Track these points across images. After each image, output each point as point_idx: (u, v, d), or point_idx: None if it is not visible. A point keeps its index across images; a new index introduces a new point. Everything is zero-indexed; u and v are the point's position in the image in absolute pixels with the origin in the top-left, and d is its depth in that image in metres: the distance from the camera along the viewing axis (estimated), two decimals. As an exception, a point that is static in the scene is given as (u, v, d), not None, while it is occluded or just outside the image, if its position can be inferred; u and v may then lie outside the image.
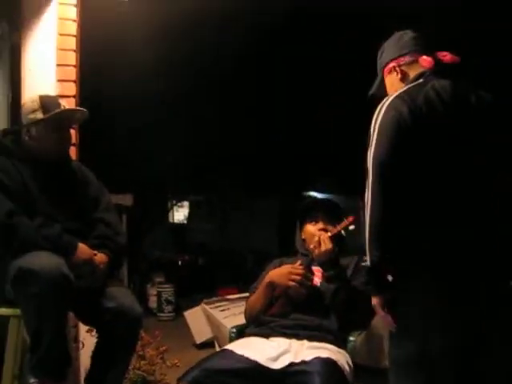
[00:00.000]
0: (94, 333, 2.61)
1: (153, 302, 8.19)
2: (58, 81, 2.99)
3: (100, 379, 2.36)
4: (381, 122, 1.77)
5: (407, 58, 1.95)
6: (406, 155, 1.73)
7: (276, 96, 7.98)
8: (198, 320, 5.77)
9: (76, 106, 2.94)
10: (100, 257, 2.30)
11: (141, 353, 3.27)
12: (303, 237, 2.72)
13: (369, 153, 1.77)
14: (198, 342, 5.79)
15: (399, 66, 1.96)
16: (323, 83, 7.39)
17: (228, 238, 12.49)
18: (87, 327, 2.87)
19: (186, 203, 14.01)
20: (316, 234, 2.59)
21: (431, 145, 1.75)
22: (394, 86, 1.96)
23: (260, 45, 6.48)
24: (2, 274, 2.14)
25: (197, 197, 13.17)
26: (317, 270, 2.59)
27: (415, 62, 1.93)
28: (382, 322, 3.26)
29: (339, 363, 2.21)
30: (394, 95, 1.81)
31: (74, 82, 3.04)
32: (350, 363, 2.32)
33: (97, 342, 2.39)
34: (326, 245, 2.46)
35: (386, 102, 1.80)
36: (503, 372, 1.73)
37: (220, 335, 4.98)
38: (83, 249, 2.25)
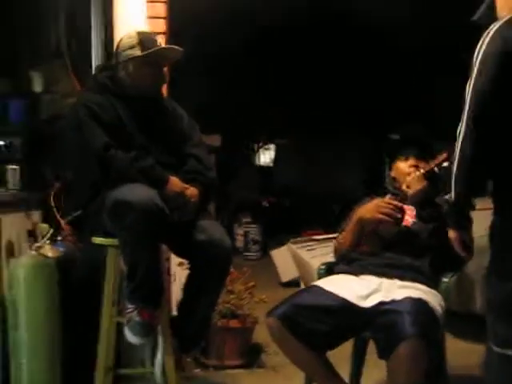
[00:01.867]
0: (184, 266, 2.69)
1: (240, 242, 8.39)
2: (148, 17, 3.00)
3: (191, 310, 2.45)
4: (485, 50, 1.62)
5: None
6: (509, 91, 1.59)
7: (361, 38, 7.69)
8: (284, 259, 5.85)
9: (166, 43, 2.96)
10: (192, 190, 2.33)
11: (229, 288, 3.35)
12: (393, 175, 2.64)
13: (468, 83, 1.65)
14: (283, 281, 5.89)
15: None
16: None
17: (313, 181, 12.44)
18: (178, 261, 2.98)
19: (272, 146, 14.02)
20: (407, 171, 2.52)
21: None
22: (507, 5, 1.75)
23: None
24: (100, 206, 2.23)
25: (283, 140, 13.13)
26: (409, 209, 2.51)
27: None
28: (475, 266, 3.17)
29: (431, 304, 2.16)
30: (502, 21, 1.64)
31: (164, 18, 3.04)
32: (443, 304, 2.26)
33: (188, 274, 2.46)
34: (420, 183, 2.38)
35: (492, 29, 1.65)
36: None
37: (306, 275, 5.02)
38: (175, 182, 2.30)
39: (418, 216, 2.43)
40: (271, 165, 13.99)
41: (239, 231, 8.55)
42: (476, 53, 1.66)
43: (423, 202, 2.40)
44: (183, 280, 2.51)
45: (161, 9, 3.05)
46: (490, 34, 1.64)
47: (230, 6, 5.55)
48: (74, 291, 2.72)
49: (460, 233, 1.81)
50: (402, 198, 2.50)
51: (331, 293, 2.25)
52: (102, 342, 2.31)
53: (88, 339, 2.42)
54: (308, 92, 9.03)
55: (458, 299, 3.81)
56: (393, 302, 2.15)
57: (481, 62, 1.62)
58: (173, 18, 3.12)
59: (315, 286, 2.35)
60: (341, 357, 2.54)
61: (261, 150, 13.95)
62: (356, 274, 2.39)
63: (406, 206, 2.51)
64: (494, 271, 1.71)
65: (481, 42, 1.65)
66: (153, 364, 2.52)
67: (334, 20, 7.13)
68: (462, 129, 1.65)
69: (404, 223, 2.48)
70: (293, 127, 10.90)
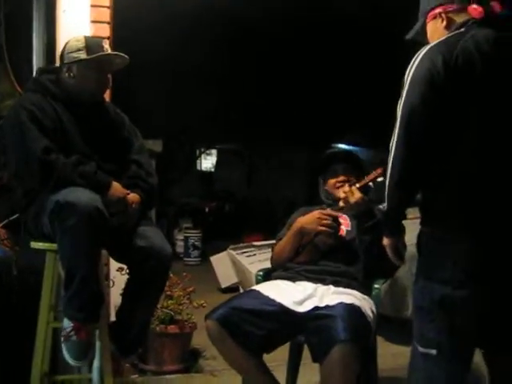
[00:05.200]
0: (123, 271, 2.69)
1: (180, 247, 8.38)
2: (92, 22, 2.99)
3: (130, 316, 2.45)
4: (414, 71, 1.74)
5: (455, 6, 1.86)
6: (437, 108, 1.70)
7: (308, 48, 7.84)
8: (223, 265, 5.89)
9: (110, 47, 2.95)
10: (133, 196, 2.34)
11: (168, 293, 3.36)
12: (326, 188, 2.73)
13: (399, 102, 1.76)
14: (223, 287, 5.93)
15: (446, 12, 1.86)
16: (356, 36, 7.22)
17: (255, 187, 12.54)
18: (118, 266, 2.97)
19: (214, 151, 14.05)
20: (337, 186, 2.63)
21: (464, 100, 1.71)
22: (436, 33, 1.88)
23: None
24: (39, 209, 2.21)
25: (225, 145, 13.19)
26: (343, 218, 2.61)
27: (464, 10, 1.84)
28: (406, 272, 3.31)
29: (363, 309, 2.25)
30: (431, 45, 1.77)
31: (108, 23, 3.03)
32: (374, 310, 2.36)
33: (128, 280, 2.47)
34: (355, 196, 2.46)
35: (421, 52, 1.76)
36: None
37: (245, 280, 5.09)
38: (117, 187, 2.30)
39: (357, 228, 2.50)
40: (213, 170, 14.03)
41: (179, 236, 8.54)
42: (406, 73, 1.77)
43: (361, 214, 2.47)
44: (122, 285, 2.51)
45: (105, 13, 3.04)
46: (420, 57, 1.75)
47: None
48: (10, 295, 2.68)
49: (394, 240, 1.89)
50: (338, 209, 2.59)
51: (268, 297, 2.32)
52: (37, 348, 2.28)
53: (25, 345, 2.38)
54: (252, 99, 9.12)
55: (390, 305, 3.96)
56: (327, 307, 2.23)
57: (410, 83, 1.73)
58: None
59: (253, 291, 2.41)
60: (277, 360, 2.61)
61: (202, 156, 13.96)
62: (292, 279, 2.47)
63: (340, 216, 2.61)
64: (422, 277, 1.81)
65: (411, 63, 1.77)
66: (90, 370, 2.50)
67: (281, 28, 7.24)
68: (393, 143, 1.75)
69: (339, 233, 2.57)
70: (236, 133, 10.96)
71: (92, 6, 2.99)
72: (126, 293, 2.46)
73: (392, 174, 1.76)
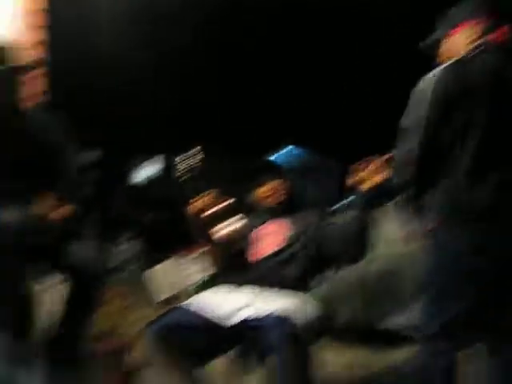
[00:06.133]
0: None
1: (118, 259, 8.22)
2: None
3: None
4: (434, 88, 1.86)
5: (488, 23, 1.99)
6: (447, 120, 1.84)
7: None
8: (163, 276, 5.82)
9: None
10: (60, 211, 2.26)
11: (106, 307, 3.29)
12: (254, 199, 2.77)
13: (405, 116, 1.92)
14: (161, 299, 5.84)
15: (482, 26, 1.99)
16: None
17: (195, 195, 12.47)
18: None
19: (152, 161, 13.92)
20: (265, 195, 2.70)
21: (471, 116, 1.83)
22: (453, 50, 2.01)
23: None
24: None
25: (164, 155, 13.08)
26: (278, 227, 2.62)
27: (490, 29, 1.98)
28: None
29: (295, 318, 2.17)
30: (443, 66, 1.91)
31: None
32: (313, 313, 2.33)
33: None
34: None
35: (432, 72, 1.91)
36: None
37: (184, 291, 5.03)
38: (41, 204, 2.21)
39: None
40: (150, 180, 13.89)
41: (118, 248, 8.39)
42: (416, 90, 1.92)
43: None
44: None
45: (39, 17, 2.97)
46: (430, 75, 1.90)
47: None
48: None
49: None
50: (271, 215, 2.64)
51: (196, 313, 2.31)
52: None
53: None
54: (192, 111, 9.11)
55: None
56: (257, 319, 2.18)
57: (419, 99, 1.88)
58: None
59: (184, 306, 2.39)
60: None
61: (140, 166, 13.82)
62: (232, 284, 2.45)
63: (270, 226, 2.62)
64: None
65: (421, 81, 1.92)
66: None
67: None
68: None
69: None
70: (177, 142, 10.91)
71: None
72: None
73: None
